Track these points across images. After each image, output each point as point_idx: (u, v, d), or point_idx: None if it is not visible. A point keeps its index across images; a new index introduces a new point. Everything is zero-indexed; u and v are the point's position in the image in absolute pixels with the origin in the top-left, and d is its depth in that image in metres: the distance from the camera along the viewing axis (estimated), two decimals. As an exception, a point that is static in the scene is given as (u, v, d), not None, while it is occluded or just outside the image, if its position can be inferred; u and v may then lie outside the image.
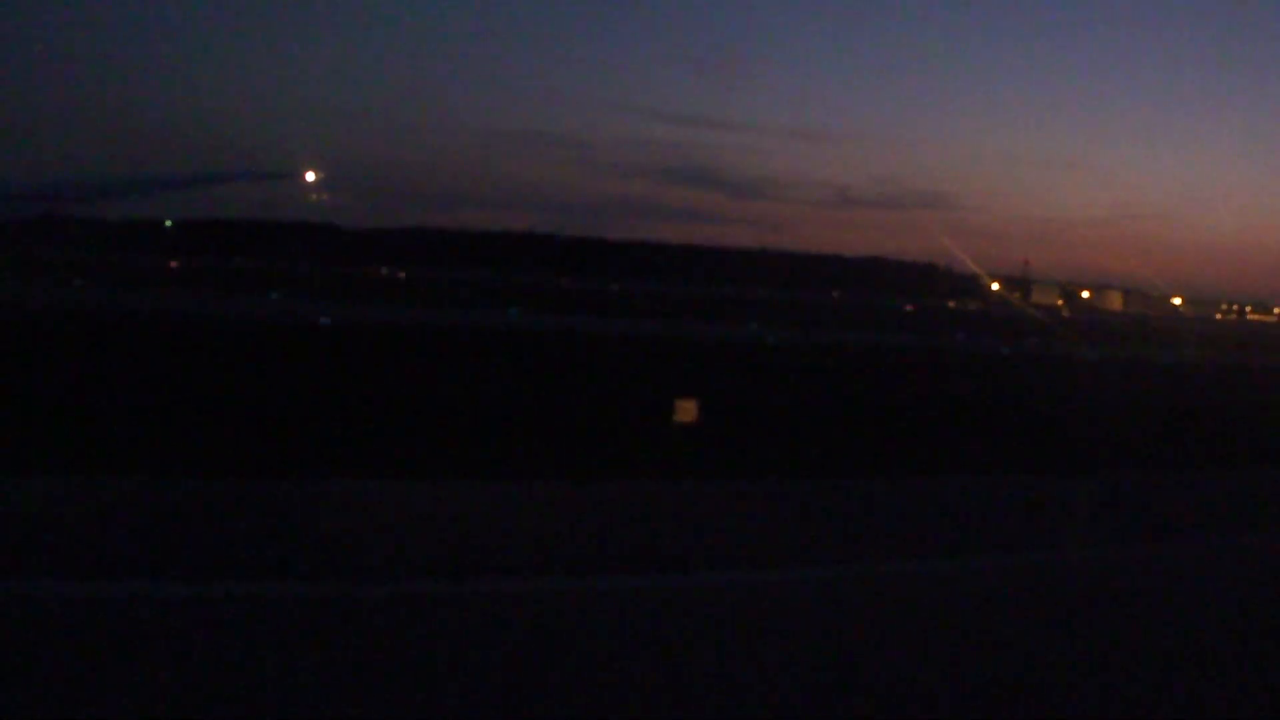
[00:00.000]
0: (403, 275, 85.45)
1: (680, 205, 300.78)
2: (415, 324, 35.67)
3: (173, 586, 6.75)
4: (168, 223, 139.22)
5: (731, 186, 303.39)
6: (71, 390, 15.75)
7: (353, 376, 20.14)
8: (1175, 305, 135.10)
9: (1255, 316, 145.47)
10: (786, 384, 25.63)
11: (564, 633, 6.47)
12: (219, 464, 11.02)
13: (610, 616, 6.91)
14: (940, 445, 16.92)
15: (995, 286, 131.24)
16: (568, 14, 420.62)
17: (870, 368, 32.03)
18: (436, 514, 9.46)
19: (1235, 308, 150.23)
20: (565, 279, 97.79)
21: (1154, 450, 16.79)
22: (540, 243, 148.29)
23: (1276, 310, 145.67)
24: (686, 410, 17.01)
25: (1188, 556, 9.90)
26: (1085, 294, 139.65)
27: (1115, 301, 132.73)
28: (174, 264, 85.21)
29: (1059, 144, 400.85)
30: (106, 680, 5.27)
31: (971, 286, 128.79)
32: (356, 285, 61.28)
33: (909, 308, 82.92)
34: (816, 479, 12.94)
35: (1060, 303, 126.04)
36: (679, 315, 51.94)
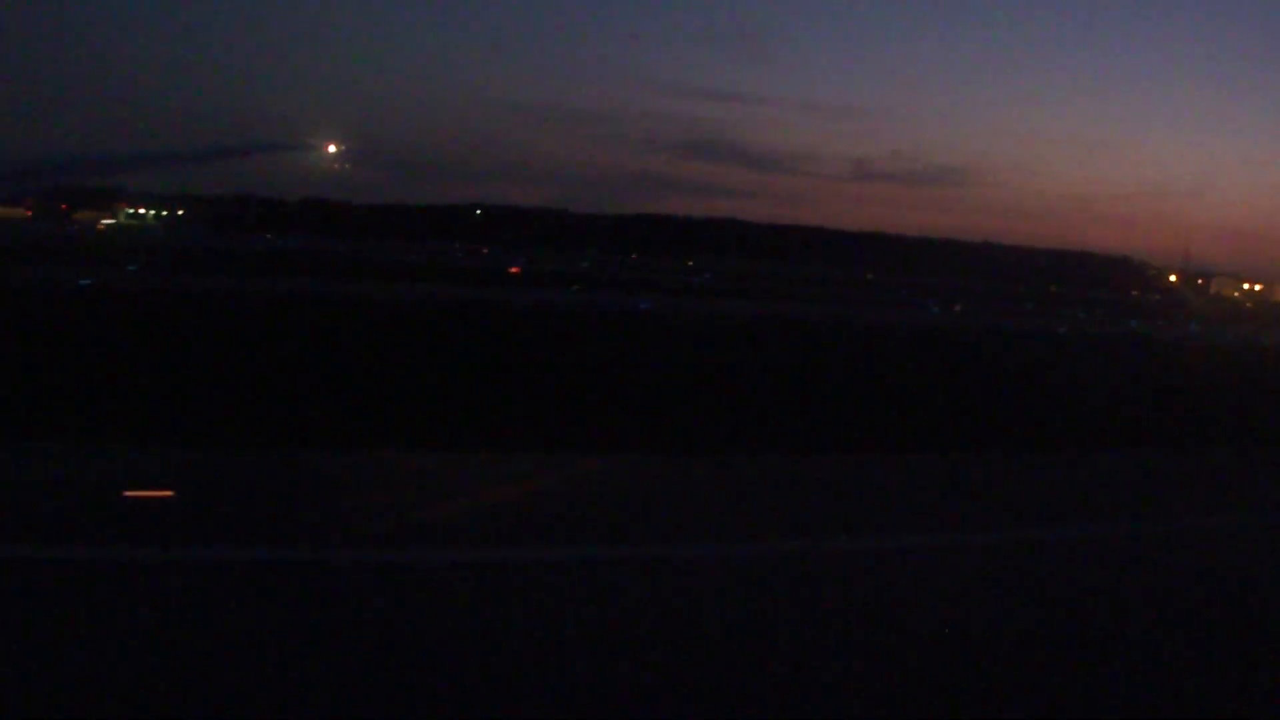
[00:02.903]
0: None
1: (699, 179, 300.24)
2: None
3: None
4: (478, 211, 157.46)
5: (750, 160, 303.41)
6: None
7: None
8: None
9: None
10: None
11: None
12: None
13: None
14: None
15: (1173, 279, 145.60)
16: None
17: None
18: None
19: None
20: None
21: None
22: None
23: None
24: None
25: None
26: (1246, 285, 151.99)
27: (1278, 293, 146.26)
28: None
29: (1082, 120, 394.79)
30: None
31: (1153, 279, 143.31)
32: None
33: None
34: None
35: (1237, 294, 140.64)
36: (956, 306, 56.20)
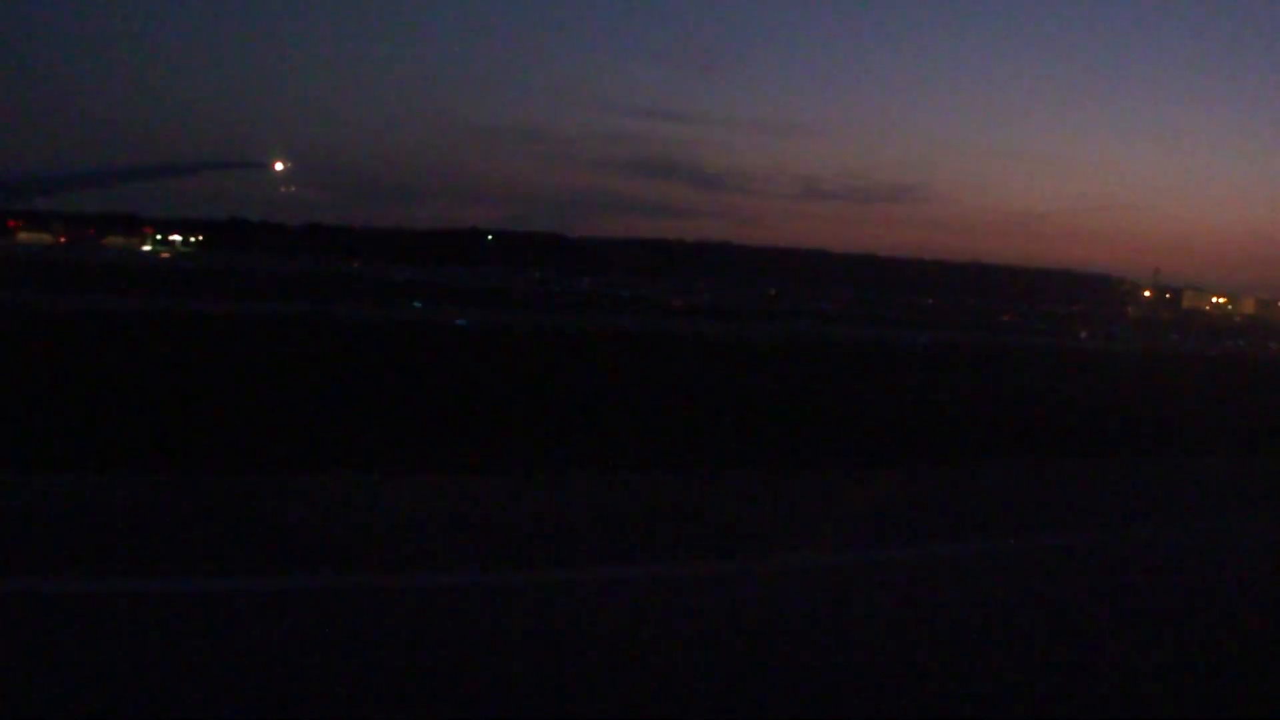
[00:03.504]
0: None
1: (648, 198, 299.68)
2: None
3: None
4: (489, 237, 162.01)
5: (699, 179, 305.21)
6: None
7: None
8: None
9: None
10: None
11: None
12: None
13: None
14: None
15: (1147, 294, 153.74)
16: (537, 8, 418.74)
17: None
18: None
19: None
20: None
21: None
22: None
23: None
24: None
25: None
26: (1215, 299, 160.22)
27: (1249, 306, 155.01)
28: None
29: (1029, 136, 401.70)
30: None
31: (1132, 295, 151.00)
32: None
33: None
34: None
35: (1207, 308, 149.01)
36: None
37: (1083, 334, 56.94)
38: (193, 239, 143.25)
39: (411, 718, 5.04)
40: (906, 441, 14.60)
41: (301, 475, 10.34)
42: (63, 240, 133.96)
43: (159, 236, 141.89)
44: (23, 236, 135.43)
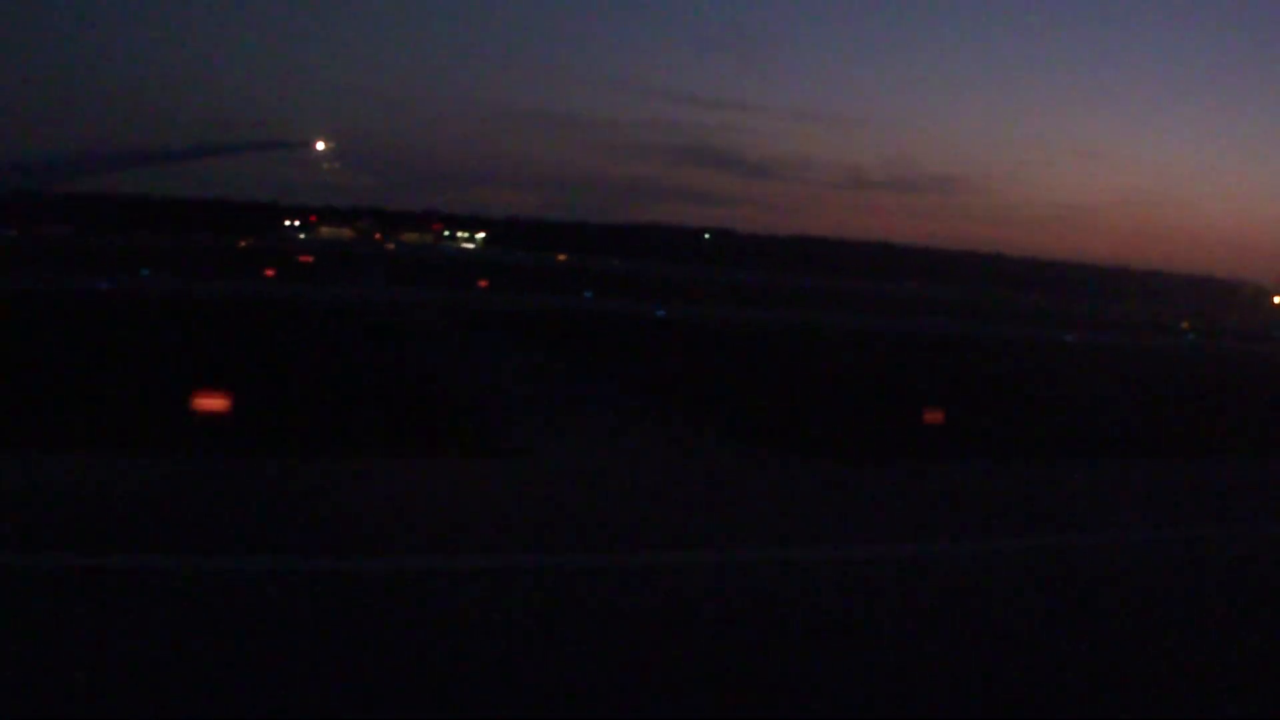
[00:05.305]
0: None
1: (691, 186, 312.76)
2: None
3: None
4: (706, 235, 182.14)
5: (743, 167, 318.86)
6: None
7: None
8: None
9: None
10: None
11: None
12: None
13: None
14: None
15: (1278, 300, 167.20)
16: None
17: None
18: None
19: None
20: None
21: None
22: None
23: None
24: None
25: None
26: None
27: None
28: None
29: (1073, 130, 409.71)
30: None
31: (1259, 299, 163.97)
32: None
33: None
34: None
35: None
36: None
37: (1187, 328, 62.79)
38: (479, 234, 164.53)
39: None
40: None
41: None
42: (379, 237, 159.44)
43: (446, 233, 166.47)
44: (324, 230, 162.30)
